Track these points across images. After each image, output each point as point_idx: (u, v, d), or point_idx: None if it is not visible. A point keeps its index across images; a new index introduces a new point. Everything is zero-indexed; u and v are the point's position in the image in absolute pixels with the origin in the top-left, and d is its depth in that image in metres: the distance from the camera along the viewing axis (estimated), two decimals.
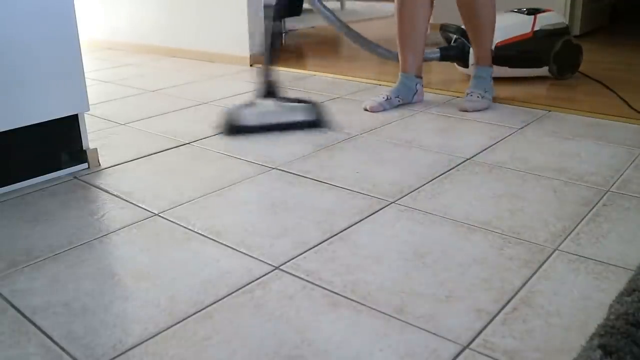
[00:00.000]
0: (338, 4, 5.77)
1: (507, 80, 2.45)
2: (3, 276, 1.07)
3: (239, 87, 2.56)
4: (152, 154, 1.70)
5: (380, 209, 1.31)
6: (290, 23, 4.48)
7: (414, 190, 1.41)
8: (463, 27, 2.36)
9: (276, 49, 1.83)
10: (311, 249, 1.14)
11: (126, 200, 1.39)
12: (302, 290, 1.00)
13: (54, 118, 1.50)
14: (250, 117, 1.88)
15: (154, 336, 0.89)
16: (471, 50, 2.39)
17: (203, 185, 1.46)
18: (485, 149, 1.68)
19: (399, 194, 1.39)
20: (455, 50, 2.50)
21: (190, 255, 1.13)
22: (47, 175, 1.52)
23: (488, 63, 2.15)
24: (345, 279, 1.04)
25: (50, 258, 1.13)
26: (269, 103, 1.93)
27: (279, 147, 1.73)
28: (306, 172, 1.53)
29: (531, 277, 1.03)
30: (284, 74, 2.80)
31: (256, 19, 3.01)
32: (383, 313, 0.94)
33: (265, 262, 1.10)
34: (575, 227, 1.21)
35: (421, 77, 2.18)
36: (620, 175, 1.47)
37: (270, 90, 1.93)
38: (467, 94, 2.12)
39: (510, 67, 2.41)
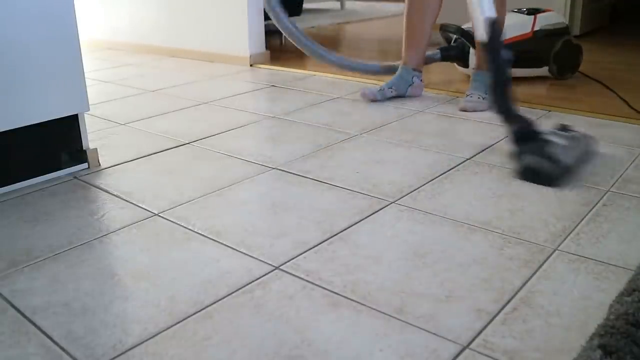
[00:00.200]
0: (338, 4, 5.77)
1: None
2: (3, 276, 1.07)
3: (239, 87, 2.56)
4: (152, 154, 1.70)
5: (380, 209, 1.31)
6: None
7: (414, 190, 1.41)
8: (463, 27, 2.38)
9: (508, 82, 1.51)
10: (311, 249, 1.14)
11: (126, 200, 1.39)
12: (302, 290, 1.00)
13: (54, 118, 1.50)
14: (564, 156, 1.48)
15: (154, 336, 0.89)
16: (471, 50, 2.40)
17: (203, 185, 1.46)
18: (485, 149, 1.68)
19: (399, 194, 1.39)
20: (455, 50, 2.49)
21: (190, 255, 1.13)
22: (47, 175, 1.52)
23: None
24: (345, 279, 1.04)
25: (50, 258, 1.13)
26: (551, 138, 1.51)
27: (279, 147, 1.73)
28: (306, 172, 1.53)
29: (531, 277, 1.03)
30: (284, 74, 2.80)
31: (256, 19, 3.02)
32: (383, 313, 0.94)
33: (265, 262, 1.10)
34: (575, 227, 1.21)
35: (420, 71, 2.23)
36: (620, 175, 1.47)
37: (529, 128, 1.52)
38: (467, 95, 2.13)
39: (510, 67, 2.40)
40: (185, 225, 1.25)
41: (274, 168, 1.57)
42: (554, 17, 2.48)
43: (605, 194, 1.37)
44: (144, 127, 1.97)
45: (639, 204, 1.31)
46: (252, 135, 1.88)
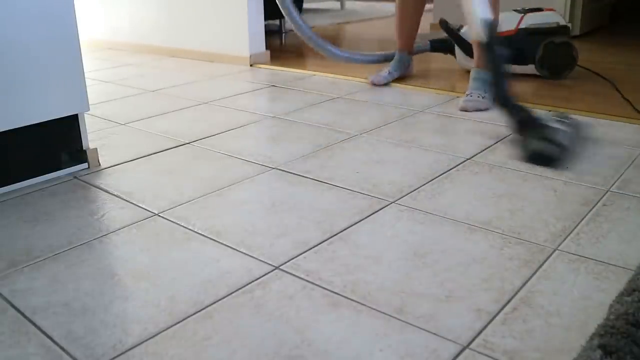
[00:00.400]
0: (338, 4, 5.77)
1: None
2: (3, 276, 1.07)
3: (239, 87, 2.56)
4: (152, 154, 1.70)
5: (380, 209, 1.31)
6: (290, 23, 4.48)
7: (414, 190, 1.41)
8: (460, 31, 2.52)
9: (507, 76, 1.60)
10: (311, 249, 1.14)
11: (126, 200, 1.39)
12: (302, 290, 1.00)
13: (53, 118, 1.50)
14: (564, 140, 1.56)
15: (154, 336, 0.89)
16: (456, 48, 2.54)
17: (203, 185, 1.46)
18: (485, 149, 1.68)
19: (399, 194, 1.39)
20: (445, 44, 2.70)
21: (190, 255, 1.13)
22: (47, 175, 1.52)
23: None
24: (345, 279, 1.04)
25: (50, 258, 1.13)
26: (554, 125, 1.57)
27: (279, 147, 1.73)
28: (306, 172, 1.53)
29: (531, 277, 1.03)
30: (284, 74, 2.80)
31: (256, 19, 3.02)
32: (383, 313, 0.94)
33: (265, 262, 1.10)
34: (575, 227, 1.21)
35: (412, 54, 2.60)
36: (620, 175, 1.47)
37: (528, 116, 1.60)
38: (467, 94, 2.14)
39: None
40: (185, 225, 1.25)
41: (274, 168, 1.57)
42: (548, 16, 2.48)
43: (605, 194, 1.37)
44: (144, 127, 1.97)
45: (639, 204, 1.31)
46: (252, 135, 1.88)
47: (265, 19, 3.16)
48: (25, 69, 1.42)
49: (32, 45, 1.42)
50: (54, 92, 1.48)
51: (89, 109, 1.56)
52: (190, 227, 1.24)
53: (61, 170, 1.55)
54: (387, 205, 1.33)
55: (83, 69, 1.53)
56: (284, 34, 4.11)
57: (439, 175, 1.50)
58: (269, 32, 3.21)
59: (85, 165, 1.59)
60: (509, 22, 2.48)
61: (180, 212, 1.31)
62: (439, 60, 2.99)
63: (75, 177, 1.54)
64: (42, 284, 1.04)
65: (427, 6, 2.60)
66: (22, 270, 1.09)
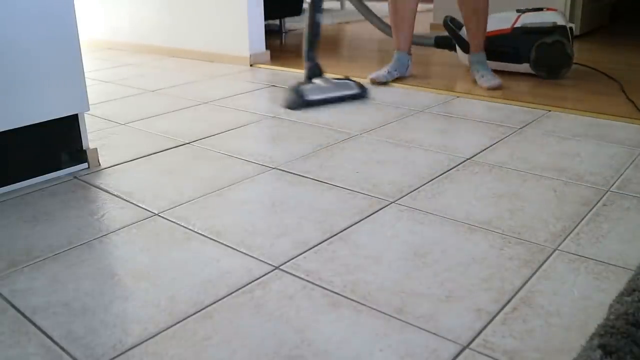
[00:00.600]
0: (338, 4, 5.77)
1: (508, 80, 2.45)
2: (3, 276, 1.07)
3: (239, 87, 2.56)
4: (152, 154, 1.70)
5: (380, 209, 1.31)
6: (290, 23, 4.48)
7: (414, 190, 1.41)
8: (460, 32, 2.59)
9: (317, 36, 2.22)
10: (311, 249, 1.14)
11: (126, 200, 1.39)
12: (302, 290, 1.00)
13: (54, 118, 1.50)
14: (310, 93, 2.17)
15: (154, 336, 0.89)
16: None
17: (203, 185, 1.46)
18: (485, 149, 1.68)
19: (399, 194, 1.39)
20: (449, 40, 2.76)
21: (190, 255, 1.13)
22: (47, 175, 1.52)
23: (482, 49, 2.46)
24: (345, 279, 1.04)
25: (50, 258, 1.13)
26: (319, 81, 2.23)
27: (279, 147, 1.73)
28: (306, 172, 1.53)
29: (531, 277, 1.03)
30: (284, 74, 2.80)
31: (256, 19, 3.02)
32: (383, 313, 0.94)
33: (265, 262, 1.10)
34: (575, 227, 1.21)
35: (411, 55, 2.61)
36: (620, 175, 1.47)
37: (317, 71, 2.24)
38: (481, 75, 2.37)
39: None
40: (185, 225, 1.25)
41: (274, 168, 1.57)
42: (545, 16, 2.48)
43: (605, 194, 1.37)
44: (144, 127, 1.97)
45: (639, 204, 1.31)
46: (252, 135, 1.88)
47: (265, 19, 3.16)
48: (25, 69, 1.42)
49: (32, 45, 1.42)
50: (54, 92, 1.48)
51: (89, 109, 1.56)
52: (190, 227, 1.24)
53: (61, 170, 1.55)
54: (387, 205, 1.33)
55: (83, 69, 1.53)
56: (284, 34, 4.11)
57: (439, 175, 1.50)
58: (269, 32, 3.21)
59: (85, 165, 1.59)
60: (505, 21, 2.52)
61: (180, 212, 1.32)
62: (439, 60, 3.00)
63: (75, 177, 1.54)
64: (42, 284, 1.04)
65: (427, 6, 2.62)
66: (22, 270, 1.09)
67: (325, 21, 4.84)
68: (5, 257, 1.14)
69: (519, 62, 2.53)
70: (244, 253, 1.13)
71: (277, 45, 3.66)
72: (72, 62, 1.51)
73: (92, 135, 1.86)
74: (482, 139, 1.77)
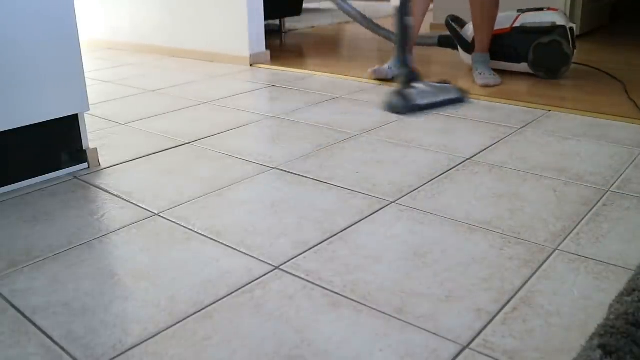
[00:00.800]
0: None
1: (507, 80, 2.46)
2: (3, 276, 1.07)
3: (239, 87, 2.56)
4: (152, 154, 1.70)
5: (380, 209, 1.31)
6: (290, 23, 4.48)
7: (414, 190, 1.41)
8: (460, 32, 2.63)
9: (408, 40, 2.14)
10: (311, 249, 1.14)
11: (126, 200, 1.39)
12: (302, 290, 1.00)
13: (54, 118, 1.50)
14: (418, 97, 2.08)
15: (153, 336, 0.89)
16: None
17: (203, 185, 1.46)
18: (485, 149, 1.68)
19: (399, 194, 1.39)
20: (452, 39, 2.77)
21: (190, 255, 1.13)
22: (47, 175, 1.52)
23: (486, 50, 2.51)
24: (345, 279, 1.04)
25: (50, 258, 1.13)
26: (421, 86, 2.13)
27: (279, 147, 1.73)
28: (306, 172, 1.53)
29: (531, 277, 1.03)
30: (284, 74, 2.80)
31: (256, 19, 3.02)
32: (383, 313, 0.94)
33: (265, 262, 1.10)
34: (575, 227, 1.21)
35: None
36: (620, 175, 1.47)
37: (415, 75, 2.16)
38: (480, 73, 2.40)
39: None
40: (185, 225, 1.25)
41: (274, 168, 1.57)
42: (545, 16, 2.48)
43: (605, 194, 1.37)
44: (144, 127, 1.97)
45: (639, 204, 1.31)
46: (252, 135, 1.88)
47: (265, 19, 3.16)
48: (25, 68, 1.42)
49: (32, 45, 1.42)
50: (54, 92, 1.48)
51: (89, 109, 1.56)
52: (190, 227, 1.24)
53: (61, 170, 1.55)
54: (387, 205, 1.33)
55: (83, 69, 1.53)
56: (284, 34, 4.11)
57: (438, 175, 1.50)
58: (269, 32, 3.21)
59: (85, 165, 1.59)
60: (505, 21, 2.53)
61: (180, 212, 1.31)
62: (439, 59, 3.00)
63: (75, 177, 1.54)
64: (42, 284, 1.04)
65: None
66: (22, 270, 1.09)
67: (326, 21, 4.85)
68: (5, 257, 1.14)
69: (518, 61, 2.54)
70: (244, 253, 1.13)
71: (277, 45, 3.66)
72: (72, 62, 1.51)
73: (92, 135, 1.86)
74: (482, 139, 1.77)
